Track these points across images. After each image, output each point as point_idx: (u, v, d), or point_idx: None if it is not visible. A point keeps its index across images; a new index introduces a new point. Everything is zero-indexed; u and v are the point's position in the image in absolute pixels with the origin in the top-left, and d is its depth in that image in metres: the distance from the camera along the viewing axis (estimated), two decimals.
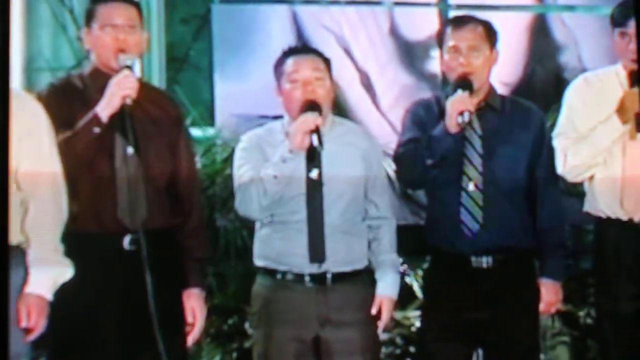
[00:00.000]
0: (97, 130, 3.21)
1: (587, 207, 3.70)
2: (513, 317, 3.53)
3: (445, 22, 3.70)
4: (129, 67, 3.27)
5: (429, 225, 3.67)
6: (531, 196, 3.60)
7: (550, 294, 3.60)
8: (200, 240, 3.42)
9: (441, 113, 3.52)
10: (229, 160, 4.63)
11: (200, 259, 3.41)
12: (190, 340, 3.40)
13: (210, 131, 5.02)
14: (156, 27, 5.12)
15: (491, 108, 3.60)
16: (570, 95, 3.72)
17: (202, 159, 4.73)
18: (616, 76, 3.63)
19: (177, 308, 3.34)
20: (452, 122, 3.45)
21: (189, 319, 3.37)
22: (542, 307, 3.61)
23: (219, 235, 4.63)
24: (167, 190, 3.33)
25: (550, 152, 3.63)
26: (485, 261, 3.53)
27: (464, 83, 3.50)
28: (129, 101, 3.23)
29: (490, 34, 3.58)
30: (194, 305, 3.38)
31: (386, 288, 3.54)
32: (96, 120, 3.22)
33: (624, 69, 3.64)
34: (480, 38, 3.55)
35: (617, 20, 3.63)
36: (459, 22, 3.60)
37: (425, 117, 3.59)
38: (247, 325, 4.50)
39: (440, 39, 3.62)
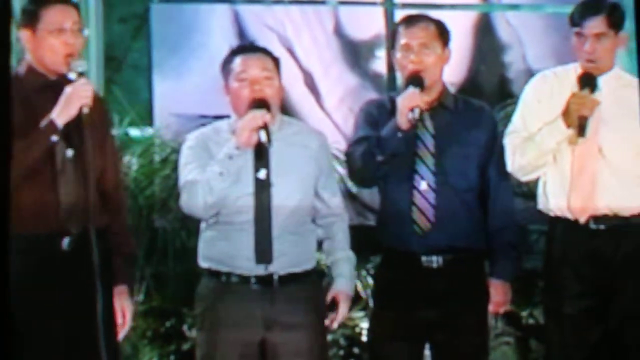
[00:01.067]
0: (54, 138, 3.22)
1: (540, 204, 3.71)
2: (462, 317, 3.55)
3: (398, 21, 3.70)
4: (83, 74, 3.27)
5: (381, 224, 3.68)
6: (483, 196, 3.62)
7: (499, 295, 3.62)
8: (127, 236, 3.43)
9: (394, 112, 3.54)
10: (167, 160, 4.67)
11: (128, 256, 3.40)
12: (121, 336, 3.40)
13: (148, 131, 5.00)
14: (94, 26, 5.06)
15: (444, 107, 3.63)
16: (527, 92, 3.75)
17: (140, 159, 4.74)
18: (574, 75, 3.63)
19: (113, 306, 3.34)
20: (402, 118, 3.46)
21: (120, 316, 3.36)
22: (491, 307, 3.63)
23: (158, 236, 4.61)
24: (97, 189, 3.34)
25: (502, 151, 3.65)
26: (435, 261, 3.54)
27: (415, 80, 3.52)
28: (86, 110, 3.23)
29: (442, 33, 3.61)
30: (123, 303, 3.37)
31: (343, 284, 3.53)
32: (53, 128, 3.22)
33: (581, 68, 3.62)
34: (432, 36, 3.57)
35: (574, 20, 3.63)
36: (411, 21, 3.62)
37: (378, 116, 3.61)
38: (185, 327, 4.49)
39: (392, 39, 3.64)
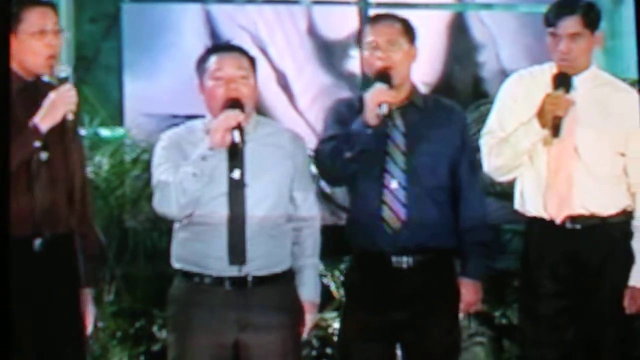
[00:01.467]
0: (38, 144, 3.21)
1: (516, 205, 3.68)
2: (433, 317, 3.51)
3: (365, 21, 3.58)
4: (66, 79, 3.26)
5: (351, 224, 3.63)
6: (454, 195, 3.59)
7: (470, 294, 3.58)
8: (92, 238, 3.40)
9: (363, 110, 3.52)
10: (138, 160, 4.62)
11: (92, 258, 3.37)
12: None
13: (119, 131, 4.97)
14: (65, 26, 4.93)
15: (414, 106, 3.61)
16: (502, 92, 3.72)
17: (110, 159, 4.70)
18: (550, 74, 3.60)
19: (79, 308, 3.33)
20: (370, 113, 3.44)
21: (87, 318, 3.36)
22: (461, 307, 3.59)
23: (128, 237, 4.58)
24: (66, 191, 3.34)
25: (472, 150, 3.63)
26: (405, 261, 3.50)
27: (383, 76, 3.50)
28: (70, 116, 3.23)
29: (408, 30, 3.59)
30: (86, 304, 3.33)
31: (308, 292, 3.47)
32: (37, 133, 3.20)
33: (556, 68, 3.57)
34: (398, 33, 3.55)
35: (549, 20, 3.60)
36: (377, 19, 3.63)
37: (347, 115, 3.57)
38: (155, 328, 4.46)
39: (360, 39, 3.63)
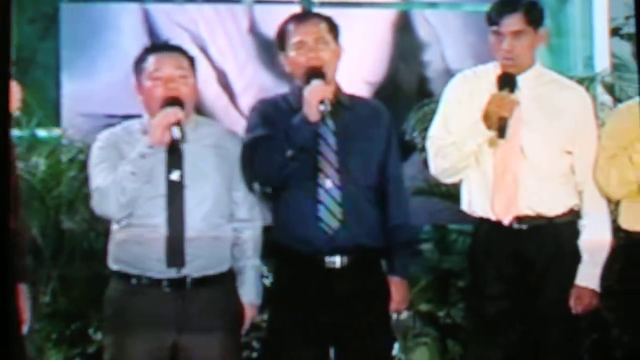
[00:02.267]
0: None
1: (464, 206, 3.67)
2: (370, 316, 3.48)
3: (285, 20, 3.61)
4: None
5: (281, 225, 3.55)
6: (382, 193, 3.56)
7: (400, 293, 3.56)
8: (24, 234, 3.39)
9: (291, 109, 3.49)
10: (74, 160, 4.56)
11: (25, 254, 3.37)
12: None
13: (56, 131, 4.90)
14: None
15: (341, 105, 3.58)
16: (447, 93, 3.71)
17: (47, 160, 4.64)
18: (494, 74, 3.55)
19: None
20: (312, 110, 3.40)
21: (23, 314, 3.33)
22: (392, 305, 3.56)
23: (65, 238, 4.51)
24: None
25: (397, 149, 3.60)
26: (338, 261, 3.46)
27: (318, 72, 3.46)
28: (17, 112, 3.38)
29: (333, 28, 3.58)
30: (23, 300, 3.29)
31: (248, 293, 3.46)
32: None
33: (500, 67, 3.51)
34: (325, 31, 3.54)
35: (492, 19, 3.62)
36: (302, 18, 3.61)
37: (275, 115, 3.54)
38: (91, 330, 4.41)
39: (281, 38, 3.54)
